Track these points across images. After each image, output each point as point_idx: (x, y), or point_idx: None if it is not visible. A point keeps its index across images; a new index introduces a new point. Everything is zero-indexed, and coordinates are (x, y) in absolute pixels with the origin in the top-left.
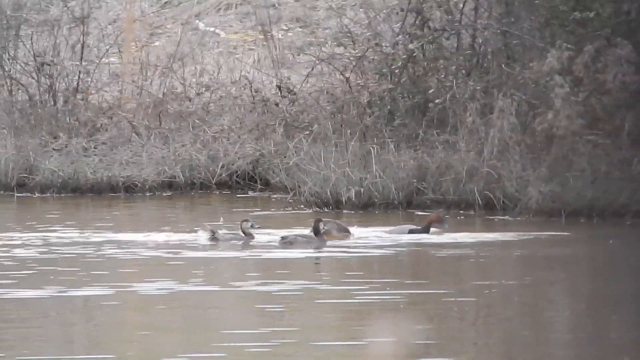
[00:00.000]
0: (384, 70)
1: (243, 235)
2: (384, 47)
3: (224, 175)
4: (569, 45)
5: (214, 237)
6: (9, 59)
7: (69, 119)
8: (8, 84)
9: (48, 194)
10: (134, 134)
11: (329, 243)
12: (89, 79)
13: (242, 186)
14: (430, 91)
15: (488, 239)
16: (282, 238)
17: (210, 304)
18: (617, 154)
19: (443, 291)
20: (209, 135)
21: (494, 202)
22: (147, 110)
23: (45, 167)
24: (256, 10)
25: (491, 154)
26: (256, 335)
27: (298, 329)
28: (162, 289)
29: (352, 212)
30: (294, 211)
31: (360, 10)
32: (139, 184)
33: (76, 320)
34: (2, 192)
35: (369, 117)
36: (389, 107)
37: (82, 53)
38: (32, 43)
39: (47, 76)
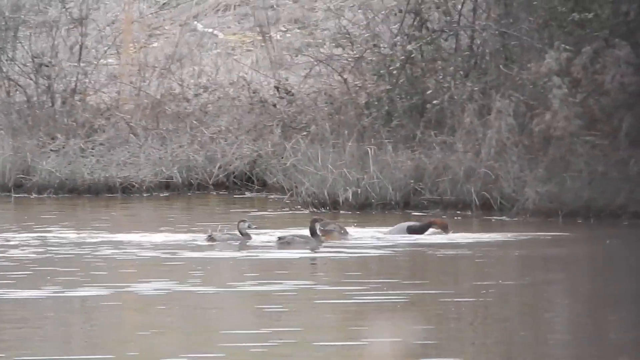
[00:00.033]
0: (382, 71)
1: (240, 235)
2: (382, 48)
3: (221, 176)
4: (567, 47)
5: (211, 238)
6: (7, 60)
7: (67, 120)
8: (6, 85)
9: (45, 195)
10: (131, 134)
11: (327, 243)
12: (87, 80)
13: (240, 187)
14: (428, 92)
15: (485, 239)
16: (280, 238)
17: (208, 305)
18: (614, 154)
19: (441, 291)
20: (206, 136)
21: (491, 202)
22: (145, 111)
23: (42, 167)
24: (254, 11)
25: (489, 155)
26: (255, 335)
27: (296, 329)
28: (160, 289)
29: (350, 212)
30: (291, 212)
31: (359, 11)
32: (137, 185)
33: (74, 320)
34: None
35: (367, 118)
36: (386, 108)
37: (80, 54)
38: (30, 44)
39: (45, 77)
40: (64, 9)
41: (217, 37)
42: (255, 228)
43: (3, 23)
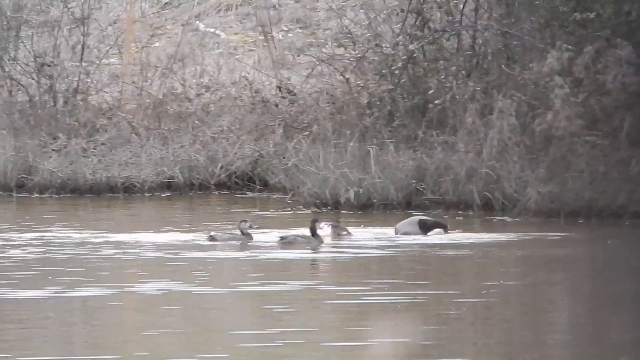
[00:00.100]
0: (384, 71)
1: (242, 235)
2: (384, 48)
3: (222, 175)
4: (569, 46)
5: (212, 238)
6: (9, 60)
7: (69, 120)
8: (8, 84)
9: (47, 195)
10: (133, 134)
11: (328, 243)
12: (89, 80)
13: (241, 187)
14: (430, 92)
15: (487, 239)
16: (282, 238)
17: (210, 305)
18: (615, 154)
19: (443, 292)
20: (208, 136)
21: (492, 202)
22: (147, 111)
23: (44, 167)
24: (256, 11)
25: (490, 155)
26: (257, 335)
27: (299, 330)
28: (162, 289)
29: (351, 212)
30: (292, 212)
31: (361, 11)
32: (138, 185)
33: (76, 320)
34: (1, 192)
35: (369, 117)
36: (388, 107)
37: (82, 54)
38: (32, 44)
39: (47, 77)
40: (66, 9)
41: (219, 36)
42: (257, 228)
43: (5, 23)
